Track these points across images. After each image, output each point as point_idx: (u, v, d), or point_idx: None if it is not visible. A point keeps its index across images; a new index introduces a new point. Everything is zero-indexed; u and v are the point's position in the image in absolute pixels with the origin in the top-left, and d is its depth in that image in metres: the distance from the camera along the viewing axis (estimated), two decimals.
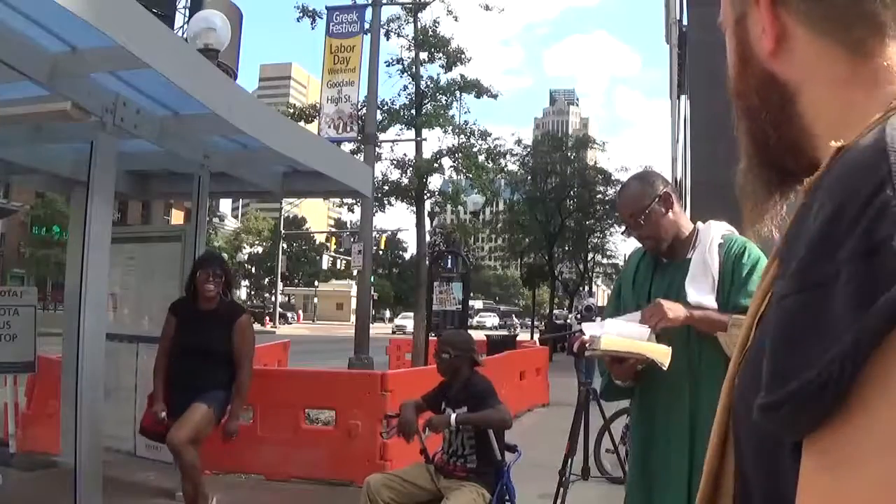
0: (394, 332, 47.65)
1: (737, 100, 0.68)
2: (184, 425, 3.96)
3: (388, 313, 69.46)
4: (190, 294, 4.26)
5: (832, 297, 0.45)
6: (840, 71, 0.58)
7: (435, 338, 14.07)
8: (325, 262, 71.06)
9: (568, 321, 15.55)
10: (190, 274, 4.32)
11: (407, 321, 46.16)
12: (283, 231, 49.87)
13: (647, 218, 2.30)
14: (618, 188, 29.92)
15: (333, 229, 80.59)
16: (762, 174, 0.67)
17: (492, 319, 54.21)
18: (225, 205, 77.74)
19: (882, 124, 0.51)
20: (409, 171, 17.48)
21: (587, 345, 2.14)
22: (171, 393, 4.12)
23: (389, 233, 46.32)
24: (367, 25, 15.82)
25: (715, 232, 2.32)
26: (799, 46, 0.60)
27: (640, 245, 2.50)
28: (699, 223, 2.39)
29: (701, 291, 2.21)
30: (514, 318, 53.57)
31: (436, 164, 17.28)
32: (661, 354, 2.08)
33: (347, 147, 16.07)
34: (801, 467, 0.49)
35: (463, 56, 17.21)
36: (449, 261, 15.65)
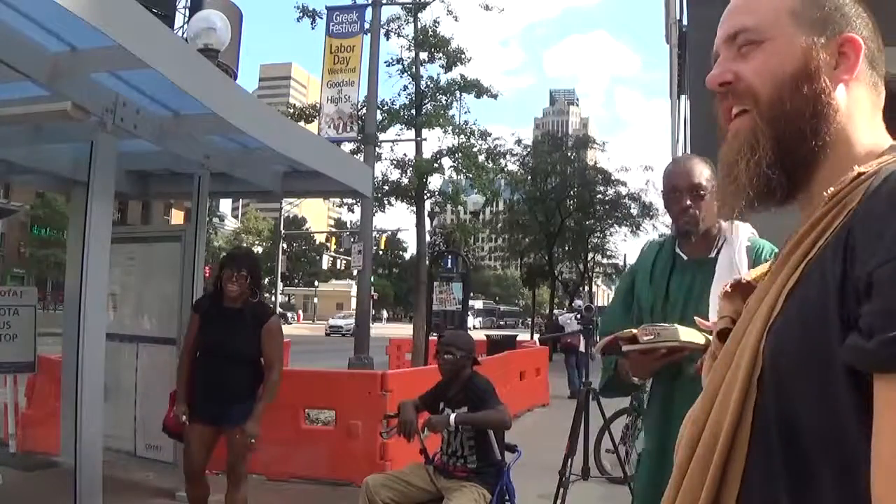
0: (328, 334, 40.57)
1: (780, 96, 0.83)
2: (240, 457, 3.91)
3: (385, 313, 69.00)
4: (217, 291, 4.09)
5: None
6: (863, 119, 0.83)
7: (435, 337, 14.07)
8: (325, 262, 71.05)
9: (560, 320, 15.14)
10: (217, 271, 4.25)
11: (346, 321, 39.03)
12: (283, 231, 49.84)
13: (703, 198, 2.24)
14: (618, 188, 29.98)
15: (333, 229, 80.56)
16: (768, 173, 0.82)
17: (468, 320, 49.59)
18: (225, 205, 77.76)
19: None
20: (409, 171, 17.48)
21: (644, 337, 2.02)
22: (196, 394, 3.97)
23: (389, 233, 46.22)
24: (367, 25, 15.81)
25: (742, 233, 2.26)
26: (857, 86, 0.83)
27: (658, 237, 2.40)
28: (720, 221, 2.32)
29: None
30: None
31: (436, 164, 17.27)
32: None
33: (347, 147, 16.07)
34: (885, 395, 0.63)
35: (463, 56, 17.21)
36: (449, 261, 15.66)
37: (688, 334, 1.96)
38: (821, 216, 0.74)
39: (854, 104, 0.83)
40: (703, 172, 2.28)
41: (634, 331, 2.06)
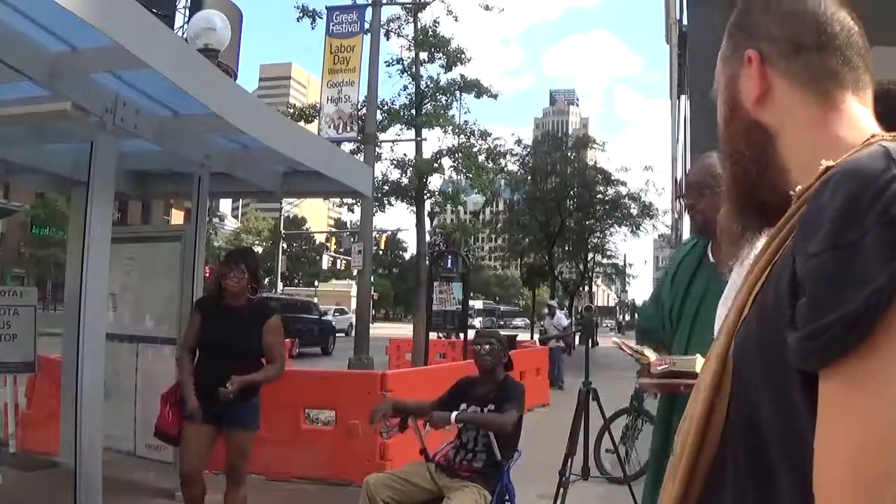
0: None
1: (724, 146, 0.84)
2: (243, 458, 3.92)
3: (373, 312, 68.71)
4: (217, 291, 4.09)
5: (862, 251, 0.59)
6: (812, 116, 0.77)
7: (438, 337, 14.09)
8: (325, 262, 71.02)
9: (545, 323, 16.21)
10: (219, 270, 4.23)
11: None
12: (283, 231, 49.82)
13: (705, 196, 2.16)
14: (618, 188, 29.96)
15: (333, 229, 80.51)
16: (742, 215, 0.83)
17: None
18: (225, 205, 77.67)
19: (870, 145, 0.69)
20: (409, 171, 17.49)
21: (658, 367, 1.96)
22: (199, 394, 3.90)
23: (389, 233, 46.25)
24: (367, 25, 15.83)
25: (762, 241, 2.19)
26: (779, 96, 0.79)
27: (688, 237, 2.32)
28: None
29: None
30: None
31: (436, 164, 17.28)
32: None
33: (347, 147, 16.08)
34: (823, 392, 0.61)
35: (463, 56, 17.23)
36: (449, 261, 15.64)
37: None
38: (789, 215, 0.73)
39: (787, 111, 0.78)
40: (709, 170, 2.20)
41: (651, 357, 2.01)
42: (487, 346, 3.76)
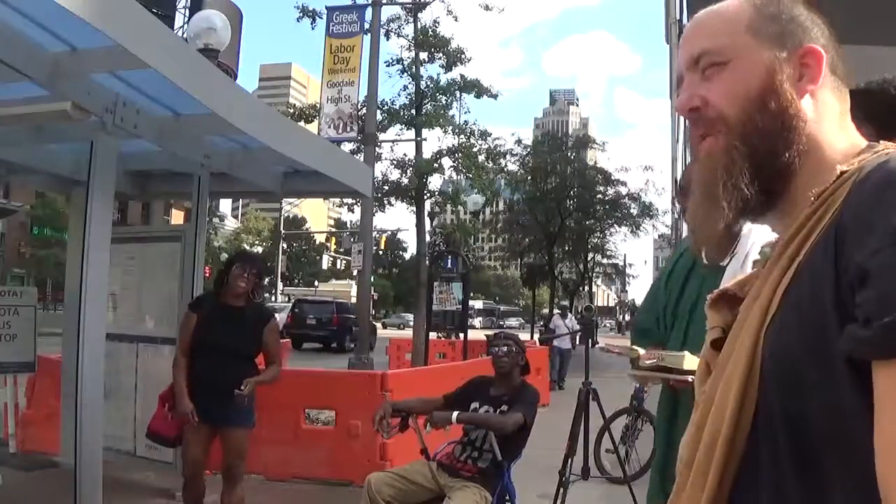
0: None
1: (745, 116, 0.84)
2: (240, 457, 3.94)
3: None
4: (218, 289, 4.11)
5: None
6: (835, 122, 0.85)
7: (438, 337, 14.09)
8: (325, 262, 71.02)
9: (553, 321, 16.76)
10: (223, 268, 4.22)
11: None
12: (283, 231, 49.79)
13: None
14: (618, 188, 29.97)
15: (333, 229, 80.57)
16: (746, 192, 0.83)
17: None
18: (225, 205, 77.82)
19: (877, 152, 0.78)
20: (409, 171, 17.49)
21: (646, 360, 1.99)
22: (194, 393, 3.91)
23: (389, 233, 46.24)
24: (367, 25, 15.83)
25: (756, 240, 2.03)
26: (821, 96, 0.85)
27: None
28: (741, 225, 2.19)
29: None
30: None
31: (436, 164, 17.28)
32: None
33: (347, 147, 16.08)
34: (888, 383, 0.64)
35: (463, 56, 17.23)
36: (449, 261, 15.64)
37: (693, 362, 1.81)
38: (808, 216, 0.76)
39: (822, 111, 0.85)
40: None
41: (641, 351, 2.05)
42: (504, 349, 3.76)
